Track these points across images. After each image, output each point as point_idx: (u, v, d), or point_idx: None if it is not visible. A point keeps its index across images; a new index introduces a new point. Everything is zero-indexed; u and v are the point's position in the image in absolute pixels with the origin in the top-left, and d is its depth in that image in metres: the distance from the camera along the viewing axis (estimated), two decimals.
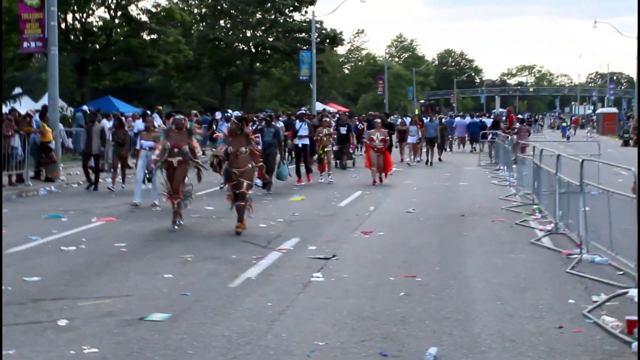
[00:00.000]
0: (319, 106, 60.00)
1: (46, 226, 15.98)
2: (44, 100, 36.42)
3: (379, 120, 28.40)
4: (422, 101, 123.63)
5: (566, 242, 13.89)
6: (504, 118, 48.86)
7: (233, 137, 15.11)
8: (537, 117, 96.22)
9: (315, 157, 27.62)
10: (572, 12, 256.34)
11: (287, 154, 29.59)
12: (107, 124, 28.56)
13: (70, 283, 10.75)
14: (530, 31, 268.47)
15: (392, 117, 46.44)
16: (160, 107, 35.95)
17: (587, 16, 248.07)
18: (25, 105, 41.33)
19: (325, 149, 26.40)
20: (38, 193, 22.64)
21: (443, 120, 46.76)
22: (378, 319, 8.93)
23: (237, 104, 69.28)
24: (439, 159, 37.93)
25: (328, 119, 28.27)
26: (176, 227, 15.68)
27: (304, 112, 31.45)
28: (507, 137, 30.85)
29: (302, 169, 26.19)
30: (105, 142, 24.57)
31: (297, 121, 27.72)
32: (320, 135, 26.43)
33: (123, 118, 27.57)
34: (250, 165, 15.09)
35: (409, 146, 36.94)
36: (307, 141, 26.51)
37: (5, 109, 29.36)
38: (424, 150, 37.20)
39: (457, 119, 53.19)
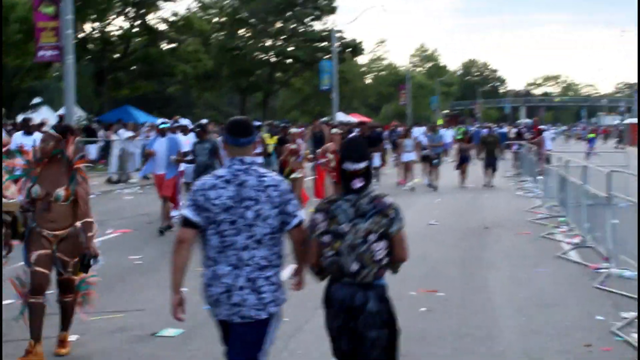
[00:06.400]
0: (340, 116, 59.71)
1: None
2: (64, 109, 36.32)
3: (336, 131, 19.31)
4: (445, 112, 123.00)
5: (594, 256, 13.46)
6: (524, 129, 47.59)
7: (44, 167, 8.13)
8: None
9: None
10: (598, 20, 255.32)
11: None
12: (124, 133, 28.31)
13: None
14: (555, 40, 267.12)
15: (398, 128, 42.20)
16: (178, 117, 35.52)
17: (611, 25, 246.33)
18: (45, 115, 41.25)
19: (292, 176, 18.78)
20: None
21: (496, 131, 38.23)
22: None
23: (258, 113, 69.13)
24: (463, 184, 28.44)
25: (297, 130, 21.27)
26: None
27: (254, 123, 22.39)
28: (532, 148, 30.28)
29: None
30: None
31: None
32: (285, 153, 19.58)
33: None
34: (77, 224, 8.06)
35: (402, 166, 28.42)
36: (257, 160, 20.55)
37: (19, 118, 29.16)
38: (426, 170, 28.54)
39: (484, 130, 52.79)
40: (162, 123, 17.79)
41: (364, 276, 5.36)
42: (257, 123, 22.88)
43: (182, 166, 17.66)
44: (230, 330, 5.41)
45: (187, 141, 18.25)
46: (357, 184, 5.41)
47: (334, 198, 5.52)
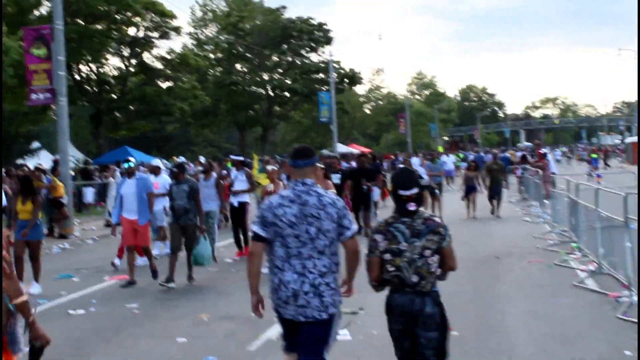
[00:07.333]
0: (340, 148, 59.27)
1: (56, 287, 15.15)
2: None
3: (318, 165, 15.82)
4: (445, 138, 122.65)
5: (612, 283, 12.85)
6: (528, 153, 47.08)
7: None
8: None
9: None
10: (591, 41, 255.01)
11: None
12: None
13: (75, 352, 9.88)
14: (551, 62, 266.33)
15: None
16: (176, 157, 34.69)
17: (608, 44, 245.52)
18: (43, 159, 40.86)
19: None
20: (51, 251, 21.64)
21: (499, 157, 35.63)
22: None
23: (258, 148, 68.74)
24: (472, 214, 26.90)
25: (273, 167, 17.15)
26: None
27: (238, 158, 20.40)
28: (537, 172, 29.56)
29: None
30: None
31: (234, 170, 19.59)
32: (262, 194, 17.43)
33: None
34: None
35: None
36: (245, 198, 18.83)
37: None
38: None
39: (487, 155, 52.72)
40: (126, 162, 15.79)
41: (423, 286, 6.16)
42: (238, 158, 20.37)
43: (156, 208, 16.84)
44: (298, 329, 6.25)
45: (156, 183, 17.21)
46: (411, 207, 6.22)
47: (390, 221, 6.30)
